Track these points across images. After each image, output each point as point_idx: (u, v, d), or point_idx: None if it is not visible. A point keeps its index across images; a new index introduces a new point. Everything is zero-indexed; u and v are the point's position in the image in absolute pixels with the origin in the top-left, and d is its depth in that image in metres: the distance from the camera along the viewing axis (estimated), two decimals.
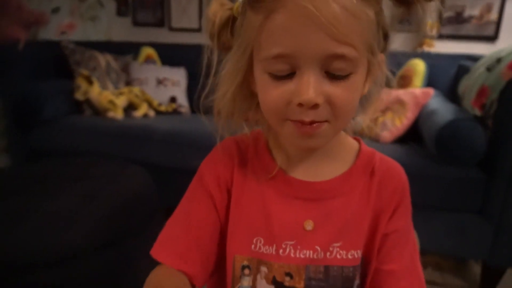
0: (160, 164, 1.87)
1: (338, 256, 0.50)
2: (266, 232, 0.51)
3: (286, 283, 0.50)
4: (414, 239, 0.56)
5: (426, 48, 2.26)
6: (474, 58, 1.87)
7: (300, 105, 0.41)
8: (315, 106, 0.41)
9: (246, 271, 0.51)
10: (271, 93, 0.43)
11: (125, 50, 2.54)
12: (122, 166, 1.47)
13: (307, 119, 0.42)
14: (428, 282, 1.56)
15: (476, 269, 1.66)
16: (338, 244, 0.50)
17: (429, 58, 2.09)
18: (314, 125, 0.43)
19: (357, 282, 0.52)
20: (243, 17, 0.44)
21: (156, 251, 0.52)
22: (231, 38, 0.47)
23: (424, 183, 1.48)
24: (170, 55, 2.51)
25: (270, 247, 0.50)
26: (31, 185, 1.27)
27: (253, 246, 0.51)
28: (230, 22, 0.47)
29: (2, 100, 2.12)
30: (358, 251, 0.51)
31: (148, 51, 2.49)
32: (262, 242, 0.51)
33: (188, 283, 0.49)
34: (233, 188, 0.53)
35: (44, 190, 1.23)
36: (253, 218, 0.52)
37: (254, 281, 0.51)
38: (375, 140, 1.75)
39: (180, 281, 0.48)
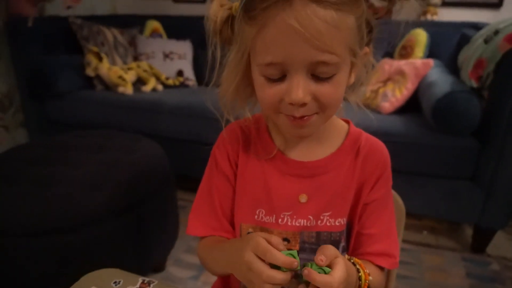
0: (169, 136, 1.96)
1: (328, 224, 0.59)
2: (267, 204, 0.59)
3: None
4: (392, 206, 0.64)
5: (429, 16, 2.26)
6: (477, 27, 1.89)
7: (291, 103, 0.48)
8: (303, 104, 0.48)
9: None
10: (266, 92, 0.50)
11: (130, 23, 2.58)
12: (136, 138, 1.56)
13: (298, 114, 0.49)
14: (423, 244, 1.69)
15: (469, 232, 1.77)
16: (327, 214, 0.59)
17: (432, 26, 2.10)
18: (305, 118, 0.50)
19: (342, 244, 0.61)
20: (240, 26, 0.50)
21: (192, 229, 0.63)
22: (232, 33, 0.53)
23: (420, 151, 1.56)
24: (175, 28, 2.54)
25: (271, 217, 0.59)
26: (54, 156, 1.37)
27: (256, 216, 0.60)
28: (230, 20, 0.53)
29: (16, 75, 2.20)
30: (344, 219, 0.60)
31: (154, 24, 2.52)
32: (264, 213, 0.60)
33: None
34: (238, 167, 0.62)
35: (66, 160, 1.33)
36: (255, 192, 0.60)
37: None
38: (376, 111, 1.81)
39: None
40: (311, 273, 0.42)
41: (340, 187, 0.59)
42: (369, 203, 0.60)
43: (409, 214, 1.79)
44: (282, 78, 0.48)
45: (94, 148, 1.44)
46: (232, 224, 0.64)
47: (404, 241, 1.71)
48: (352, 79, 0.54)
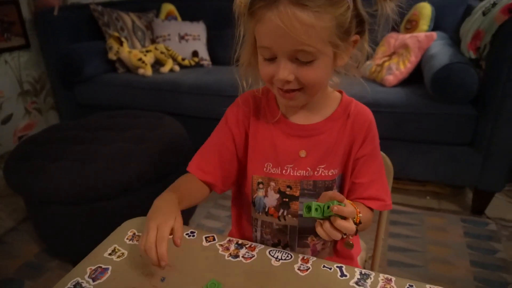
0: (188, 113, 2.11)
1: (322, 174, 0.73)
2: (274, 159, 0.74)
3: (287, 192, 0.74)
4: (381, 161, 0.77)
5: None
6: None
7: (278, 80, 0.62)
8: (287, 82, 0.61)
9: (261, 186, 0.76)
10: (264, 69, 0.64)
11: (146, 7, 2.70)
12: (158, 116, 1.72)
13: (284, 88, 0.63)
14: (426, 208, 1.82)
15: (470, 196, 1.87)
16: (322, 166, 0.72)
17: None
18: (290, 92, 0.64)
19: (335, 190, 0.75)
20: (246, 18, 0.63)
21: (189, 166, 0.77)
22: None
23: (422, 120, 1.66)
24: (189, 10, 2.65)
25: (277, 169, 0.74)
26: (87, 135, 1.54)
27: (264, 168, 0.74)
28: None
29: (45, 62, 2.38)
30: (336, 170, 0.73)
31: (168, 7, 2.63)
32: (271, 165, 0.74)
33: (200, 187, 0.75)
34: (250, 129, 0.76)
35: (98, 139, 1.50)
36: (264, 150, 0.74)
37: (266, 191, 0.76)
38: (380, 84, 1.90)
39: (195, 185, 0.75)
40: (340, 208, 0.55)
41: (333, 144, 0.72)
42: (359, 158, 0.73)
43: (413, 181, 1.93)
44: (274, 59, 0.62)
45: (121, 127, 1.61)
46: (229, 173, 0.78)
47: (408, 205, 1.84)
48: (340, 63, 0.65)
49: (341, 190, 0.77)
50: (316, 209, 0.57)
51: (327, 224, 0.57)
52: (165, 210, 0.63)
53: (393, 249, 1.54)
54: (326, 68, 0.63)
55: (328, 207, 0.56)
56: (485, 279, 1.39)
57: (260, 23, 0.59)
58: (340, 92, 0.77)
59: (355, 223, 0.64)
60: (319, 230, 0.58)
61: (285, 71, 0.60)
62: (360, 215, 0.65)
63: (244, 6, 0.63)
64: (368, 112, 0.75)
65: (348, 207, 0.57)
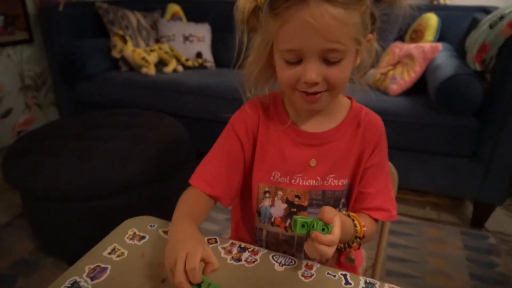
0: (189, 115, 2.10)
1: (332, 184, 0.71)
2: (282, 168, 0.71)
3: (296, 202, 0.72)
4: (388, 171, 0.76)
5: (442, 0, 2.30)
6: (488, 11, 1.92)
7: (306, 82, 0.59)
8: (315, 83, 0.59)
9: (267, 195, 0.73)
10: (286, 73, 0.61)
11: (152, 6, 2.70)
12: (159, 116, 1.71)
13: (311, 91, 0.60)
14: (425, 219, 1.81)
15: (470, 209, 1.86)
16: (332, 175, 0.71)
17: (444, 10, 2.15)
18: (317, 94, 0.61)
19: (342, 200, 0.74)
20: (265, 20, 0.60)
21: (192, 179, 0.73)
22: (257, 23, 0.64)
23: (423, 130, 1.66)
24: (194, 11, 2.65)
25: (285, 178, 0.71)
26: (87, 133, 1.52)
27: (272, 177, 0.72)
28: (256, 11, 0.63)
29: (48, 58, 2.37)
30: (346, 180, 0.72)
31: (174, 8, 2.63)
32: (279, 174, 0.72)
33: (206, 202, 0.70)
34: (258, 136, 0.73)
35: (98, 136, 1.49)
36: (272, 158, 0.72)
37: (272, 201, 0.73)
38: (384, 92, 1.90)
39: (203, 204, 0.69)
40: (318, 236, 0.54)
41: (343, 153, 0.70)
42: (368, 167, 0.71)
43: (413, 191, 1.92)
44: (299, 62, 0.59)
45: (122, 125, 1.59)
46: (235, 184, 0.74)
47: (407, 215, 1.83)
48: (358, 62, 0.65)
49: (348, 199, 0.76)
50: (302, 225, 0.56)
51: (309, 243, 0.56)
52: (190, 239, 0.57)
53: (392, 259, 1.53)
54: (351, 67, 0.63)
55: (313, 226, 0.55)
56: None
57: (288, 24, 0.56)
58: (350, 98, 0.75)
59: (359, 237, 0.64)
60: (305, 247, 0.57)
61: (313, 72, 0.58)
62: (364, 228, 0.65)
63: (248, 12, 0.61)
64: (379, 121, 0.74)
65: (331, 235, 0.55)
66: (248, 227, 0.80)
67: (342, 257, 0.79)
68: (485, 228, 1.74)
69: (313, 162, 0.70)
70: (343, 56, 0.58)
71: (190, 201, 0.69)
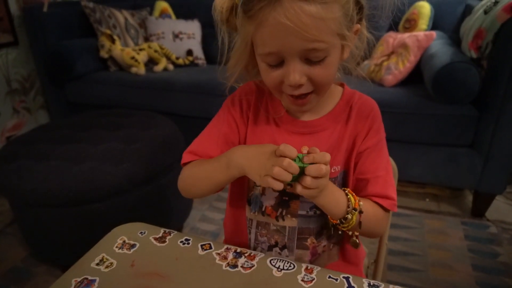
0: (181, 113, 2.06)
1: None
2: None
3: (287, 190, 0.69)
4: (387, 157, 0.71)
5: None
6: None
7: (290, 85, 0.56)
8: (300, 85, 0.56)
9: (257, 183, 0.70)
10: (269, 76, 0.59)
11: (140, 4, 2.64)
12: (151, 115, 1.67)
13: (296, 93, 0.58)
14: (426, 211, 1.78)
15: (470, 199, 1.84)
16: None
17: None
18: (303, 98, 0.59)
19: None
20: (241, 22, 0.57)
21: (185, 158, 0.70)
22: (237, 21, 0.60)
23: (421, 121, 1.63)
24: (183, 8, 2.59)
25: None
26: (76, 135, 1.48)
27: None
28: (234, 9, 0.59)
29: (35, 60, 2.31)
30: (338, 166, 0.69)
31: (162, 5, 2.58)
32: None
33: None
34: (249, 121, 0.71)
35: (88, 138, 1.44)
36: None
37: (263, 189, 0.70)
38: (379, 84, 1.87)
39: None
40: (309, 156, 0.53)
41: (335, 140, 0.68)
42: (362, 151, 0.68)
43: (412, 182, 1.89)
44: (281, 63, 0.56)
45: (112, 126, 1.55)
46: None
47: (407, 207, 1.80)
48: (345, 55, 0.62)
49: (344, 187, 0.72)
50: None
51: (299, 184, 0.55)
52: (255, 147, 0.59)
53: (393, 253, 1.50)
54: (336, 64, 0.59)
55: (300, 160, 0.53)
56: (488, 283, 1.35)
57: (263, 27, 0.53)
58: (342, 85, 0.72)
59: (354, 209, 0.61)
60: (299, 190, 0.55)
61: (296, 74, 0.55)
62: (361, 203, 0.62)
63: (226, 11, 0.58)
64: (372, 103, 0.71)
65: (315, 155, 0.53)
66: (240, 220, 0.76)
67: (346, 243, 0.75)
68: (485, 217, 1.72)
69: (305, 149, 0.67)
70: (326, 54, 0.55)
71: (199, 161, 0.68)
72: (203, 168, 0.66)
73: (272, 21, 0.52)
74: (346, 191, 0.63)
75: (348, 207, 0.61)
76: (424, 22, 1.98)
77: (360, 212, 0.62)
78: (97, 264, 0.58)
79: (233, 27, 0.60)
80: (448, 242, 1.57)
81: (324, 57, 0.55)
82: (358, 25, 0.61)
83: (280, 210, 0.70)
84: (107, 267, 0.58)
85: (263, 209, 0.71)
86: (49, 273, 1.43)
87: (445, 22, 2.04)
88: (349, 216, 0.61)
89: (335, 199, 0.60)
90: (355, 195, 0.63)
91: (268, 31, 0.53)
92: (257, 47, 0.57)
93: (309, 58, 0.55)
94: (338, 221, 0.62)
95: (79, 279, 0.55)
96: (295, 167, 0.52)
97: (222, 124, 0.71)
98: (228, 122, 0.70)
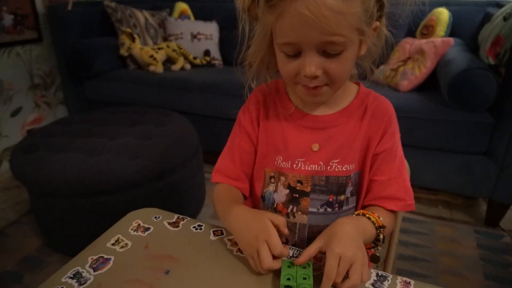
0: (197, 112, 2.09)
1: (336, 169, 0.69)
2: (284, 152, 0.70)
3: (298, 188, 0.70)
4: (402, 158, 0.72)
5: None
6: (501, 5, 1.88)
7: (305, 76, 0.58)
8: (315, 77, 0.57)
9: (272, 180, 0.72)
10: (285, 66, 0.60)
11: (160, 5, 2.70)
12: (166, 113, 1.70)
13: (311, 85, 0.59)
14: (437, 218, 1.76)
15: (483, 207, 1.82)
16: (336, 161, 0.68)
17: (456, 5, 2.10)
18: (317, 88, 0.60)
19: (350, 188, 0.71)
20: (262, 12, 0.57)
21: (214, 177, 0.74)
22: (259, 11, 0.61)
23: (435, 126, 1.62)
24: (202, 9, 2.63)
25: (287, 163, 0.70)
26: (93, 129, 1.52)
27: (275, 162, 0.71)
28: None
29: (57, 57, 2.38)
30: (351, 165, 0.69)
31: (182, 6, 2.62)
32: (282, 159, 0.70)
33: (239, 193, 0.74)
34: (260, 122, 0.73)
35: (105, 133, 1.48)
36: (275, 143, 0.71)
37: (276, 186, 0.72)
38: (395, 89, 1.86)
39: (236, 191, 0.73)
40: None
41: (348, 138, 0.68)
42: (378, 154, 0.69)
43: (424, 189, 1.87)
44: (298, 54, 0.58)
45: (128, 122, 1.59)
46: (249, 174, 0.76)
47: (418, 213, 1.79)
48: (362, 52, 0.62)
49: (358, 188, 0.73)
50: (288, 279, 0.51)
51: None
52: (253, 221, 0.59)
53: (403, 258, 1.49)
54: (353, 59, 0.60)
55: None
56: None
57: (283, 17, 0.54)
58: (358, 84, 0.73)
59: (379, 227, 0.61)
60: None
61: (312, 66, 0.56)
62: (381, 218, 0.62)
63: (248, 0, 0.59)
64: (388, 105, 0.71)
65: (327, 260, 0.51)
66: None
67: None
68: (499, 227, 1.69)
69: (315, 147, 0.68)
70: (343, 48, 0.56)
71: (225, 192, 0.72)
72: (218, 208, 0.71)
73: (293, 12, 0.53)
74: (367, 216, 0.62)
75: (376, 229, 0.61)
76: (442, 29, 1.97)
77: (383, 227, 0.62)
78: (113, 244, 0.60)
79: (254, 17, 0.61)
80: (459, 250, 1.55)
81: (341, 51, 0.56)
82: (378, 23, 0.61)
83: (291, 207, 0.71)
84: (122, 247, 0.60)
85: (275, 205, 0.73)
86: (62, 262, 1.44)
87: (463, 29, 2.02)
88: (381, 236, 0.62)
89: (364, 231, 0.59)
90: (371, 213, 0.62)
91: (288, 22, 0.54)
92: (276, 37, 0.59)
93: (326, 51, 0.56)
94: (373, 244, 0.63)
95: (95, 257, 0.57)
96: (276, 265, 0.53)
97: (237, 138, 0.75)
98: (241, 135, 0.74)
